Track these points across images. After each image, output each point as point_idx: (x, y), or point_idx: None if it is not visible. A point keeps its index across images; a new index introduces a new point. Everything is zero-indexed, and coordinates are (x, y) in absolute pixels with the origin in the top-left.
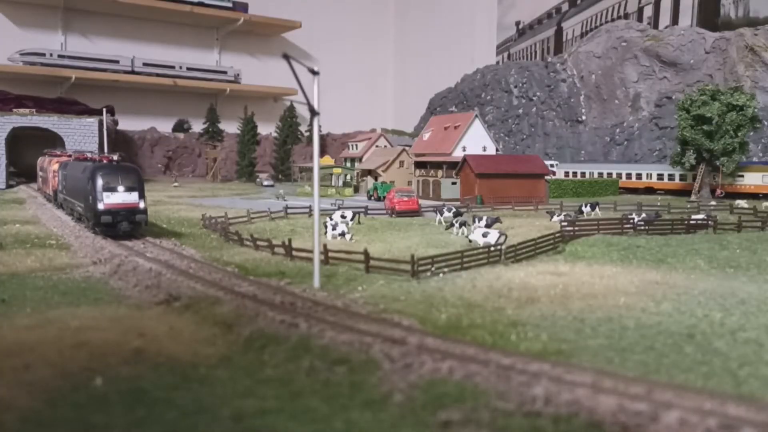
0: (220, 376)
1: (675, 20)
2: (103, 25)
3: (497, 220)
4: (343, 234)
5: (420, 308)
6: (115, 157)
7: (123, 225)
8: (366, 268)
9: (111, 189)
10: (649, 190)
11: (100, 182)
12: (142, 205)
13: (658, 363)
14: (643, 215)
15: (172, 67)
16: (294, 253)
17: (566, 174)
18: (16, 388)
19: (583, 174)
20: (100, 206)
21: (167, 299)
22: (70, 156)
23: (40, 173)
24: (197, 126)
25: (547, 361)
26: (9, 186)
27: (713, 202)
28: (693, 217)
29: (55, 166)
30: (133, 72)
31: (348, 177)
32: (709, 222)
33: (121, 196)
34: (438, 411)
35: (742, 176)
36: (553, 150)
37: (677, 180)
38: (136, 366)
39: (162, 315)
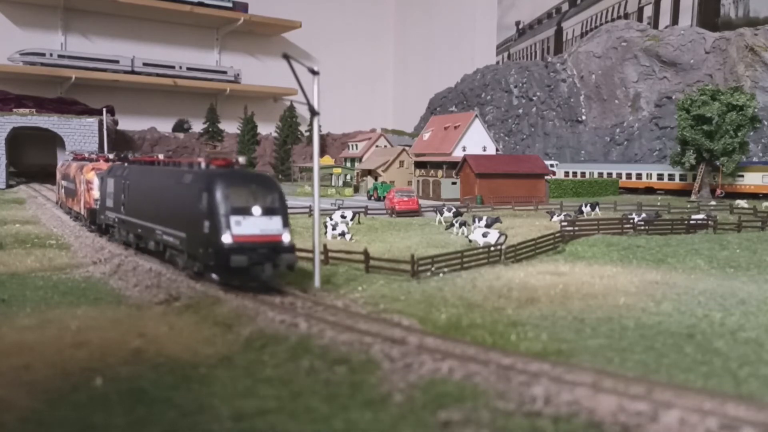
0: (220, 376)
1: (675, 20)
2: (103, 25)
3: (497, 220)
4: (343, 234)
5: (420, 308)
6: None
7: (265, 269)
8: (366, 268)
9: (242, 211)
10: (649, 190)
11: (222, 199)
12: (287, 237)
13: (658, 363)
14: (643, 215)
15: (172, 67)
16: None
17: (566, 174)
18: (16, 388)
19: (583, 174)
20: (226, 239)
21: (167, 299)
22: (110, 159)
23: (62, 183)
24: (197, 126)
25: (547, 361)
26: (9, 186)
27: (713, 202)
28: (693, 217)
29: (90, 175)
30: (133, 72)
31: (348, 177)
32: (709, 222)
33: (258, 223)
34: (438, 411)
35: (742, 176)
36: (553, 150)
37: (677, 180)
38: (136, 366)
39: (162, 315)
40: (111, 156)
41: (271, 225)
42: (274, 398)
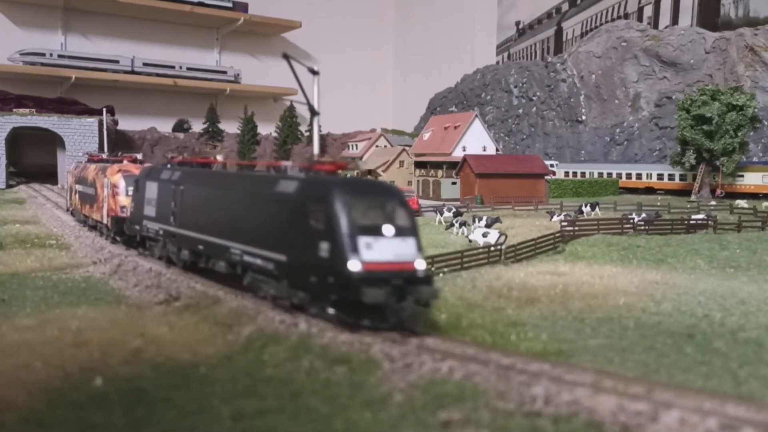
0: (220, 376)
1: (675, 20)
2: (103, 25)
3: (497, 220)
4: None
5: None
6: (139, 156)
7: (404, 306)
8: None
9: (371, 230)
10: (649, 190)
11: (347, 214)
12: (421, 263)
13: (658, 363)
14: (643, 215)
15: (172, 67)
16: None
17: (566, 174)
18: (16, 388)
19: (583, 174)
20: (354, 266)
21: (167, 299)
22: (136, 160)
23: (77, 187)
24: (197, 126)
25: (547, 361)
26: (9, 186)
27: (713, 202)
28: (693, 217)
29: (116, 178)
30: (133, 72)
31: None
32: (709, 222)
33: (391, 246)
34: (438, 411)
35: (742, 176)
36: (553, 150)
37: (677, 180)
38: (136, 366)
39: (162, 315)
40: (138, 157)
41: (405, 249)
42: (274, 398)
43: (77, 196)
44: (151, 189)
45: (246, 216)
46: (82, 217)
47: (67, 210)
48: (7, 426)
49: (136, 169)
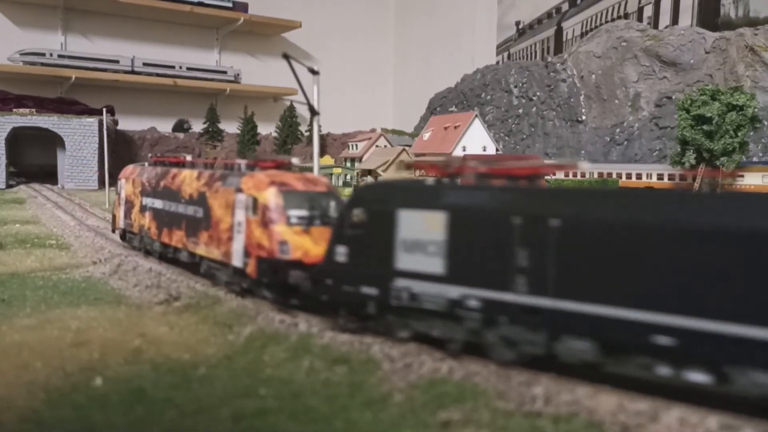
0: (220, 376)
1: (675, 20)
2: (103, 25)
3: None
4: None
5: None
6: (295, 161)
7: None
8: None
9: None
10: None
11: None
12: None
13: None
14: None
15: (172, 67)
16: None
17: (566, 174)
18: (16, 388)
19: (583, 174)
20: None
21: (167, 299)
22: (277, 163)
23: (146, 202)
24: (197, 126)
25: None
26: (9, 186)
27: None
28: None
29: (269, 196)
30: (133, 72)
31: (348, 177)
32: None
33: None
34: (438, 411)
35: (743, 176)
36: (553, 150)
37: (677, 180)
38: (136, 366)
39: (162, 315)
40: (294, 161)
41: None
42: (274, 398)
43: (148, 214)
44: (417, 226)
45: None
46: (156, 248)
47: (116, 232)
48: (7, 426)
49: (297, 181)
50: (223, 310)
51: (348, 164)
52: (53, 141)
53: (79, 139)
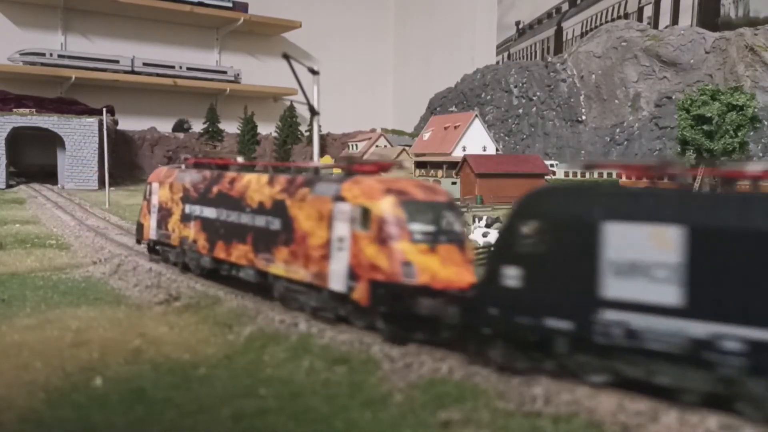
0: (220, 376)
1: (675, 20)
2: (103, 25)
3: (497, 220)
4: None
5: None
6: (406, 163)
7: None
8: None
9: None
10: None
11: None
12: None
13: None
14: None
15: (172, 67)
16: None
17: (566, 174)
18: (16, 388)
19: (583, 174)
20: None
21: (167, 299)
22: (380, 167)
23: (190, 209)
24: (197, 126)
25: None
26: (9, 186)
27: None
28: None
29: (387, 205)
30: (133, 72)
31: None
32: None
33: None
34: (438, 411)
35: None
36: (553, 150)
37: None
38: (136, 366)
39: (162, 315)
40: (405, 163)
41: None
42: (274, 398)
43: (194, 224)
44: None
45: None
46: (203, 260)
47: (138, 242)
48: (7, 426)
49: (415, 188)
50: (223, 310)
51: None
52: (53, 141)
53: (79, 139)
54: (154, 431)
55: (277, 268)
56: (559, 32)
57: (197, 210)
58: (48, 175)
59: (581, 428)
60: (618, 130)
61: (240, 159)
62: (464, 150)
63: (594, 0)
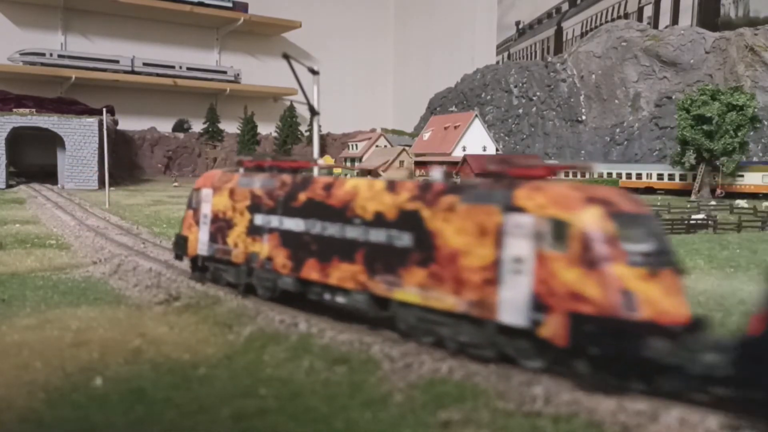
0: (220, 376)
1: (675, 20)
2: (103, 25)
3: None
4: None
5: None
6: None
7: None
8: None
9: None
10: (649, 190)
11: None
12: None
13: None
14: None
15: (172, 67)
16: None
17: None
18: (16, 388)
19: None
20: None
21: (167, 299)
22: (551, 170)
23: (263, 221)
24: (197, 126)
25: None
26: (9, 186)
27: (713, 202)
28: (693, 216)
29: (589, 218)
30: (133, 72)
31: (348, 177)
32: (709, 222)
33: None
34: (438, 411)
35: (742, 176)
36: (553, 150)
37: (677, 180)
38: (136, 366)
39: (162, 315)
40: (598, 167)
41: None
42: (274, 398)
43: (270, 237)
44: None
45: None
46: (284, 281)
47: (180, 258)
48: (7, 426)
49: (619, 198)
50: (223, 310)
51: (348, 164)
52: (53, 141)
53: (79, 139)
54: (154, 431)
55: (407, 294)
56: (559, 32)
57: (274, 221)
58: (48, 175)
59: (581, 428)
60: (618, 130)
61: (320, 161)
62: (464, 150)
63: (594, 0)
